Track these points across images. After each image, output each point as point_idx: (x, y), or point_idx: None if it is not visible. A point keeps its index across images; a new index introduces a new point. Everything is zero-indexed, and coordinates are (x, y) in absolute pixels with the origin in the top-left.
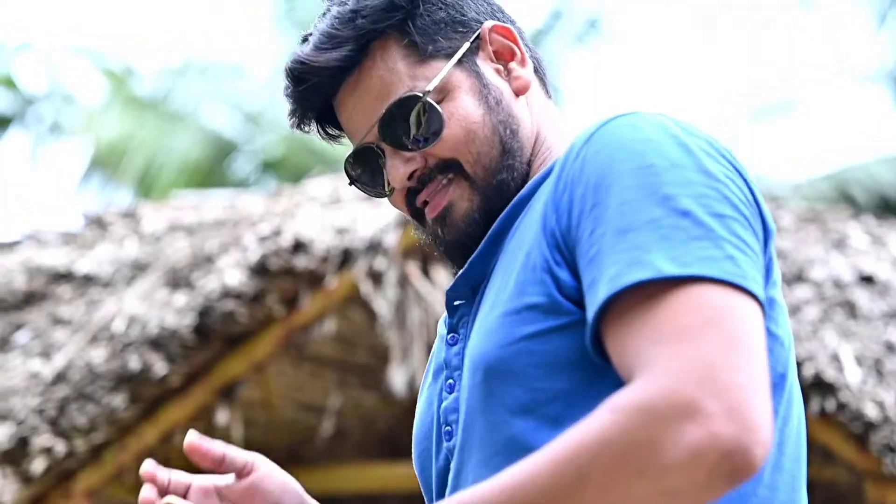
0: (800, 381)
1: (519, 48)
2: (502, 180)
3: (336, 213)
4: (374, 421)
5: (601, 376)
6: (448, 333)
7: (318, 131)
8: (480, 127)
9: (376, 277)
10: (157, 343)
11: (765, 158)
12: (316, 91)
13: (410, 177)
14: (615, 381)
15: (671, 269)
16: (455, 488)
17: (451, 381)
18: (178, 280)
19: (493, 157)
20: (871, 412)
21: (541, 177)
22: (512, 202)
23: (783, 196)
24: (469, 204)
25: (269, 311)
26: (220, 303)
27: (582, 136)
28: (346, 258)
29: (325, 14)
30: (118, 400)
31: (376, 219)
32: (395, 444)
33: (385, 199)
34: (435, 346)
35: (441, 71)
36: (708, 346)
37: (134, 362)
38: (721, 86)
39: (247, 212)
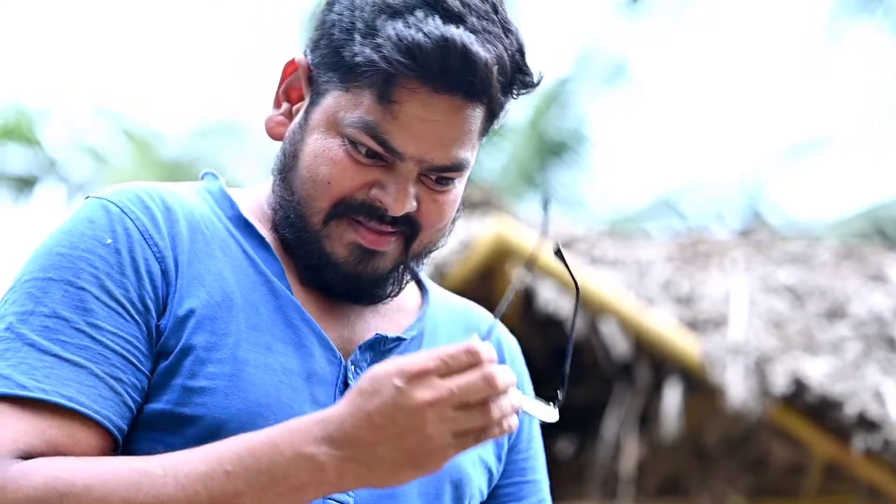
0: (843, 420)
1: None
2: (419, 266)
3: None
4: None
5: None
6: (353, 365)
7: (383, 78)
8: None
9: None
10: None
11: (798, 197)
12: (431, 76)
13: (392, 217)
14: None
15: None
16: None
17: None
18: None
19: (432, 246)
20: None
21: (436, 293)
22: (426, 304)
23: (818, 234)
24: (391, 266)
25: None
26: None
27: (506, 343)
28: None
29: (509, 33)
30: None
31: None
32: None
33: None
34: (283, 313)
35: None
36: None
37: None
38: (752, 125)
39: None
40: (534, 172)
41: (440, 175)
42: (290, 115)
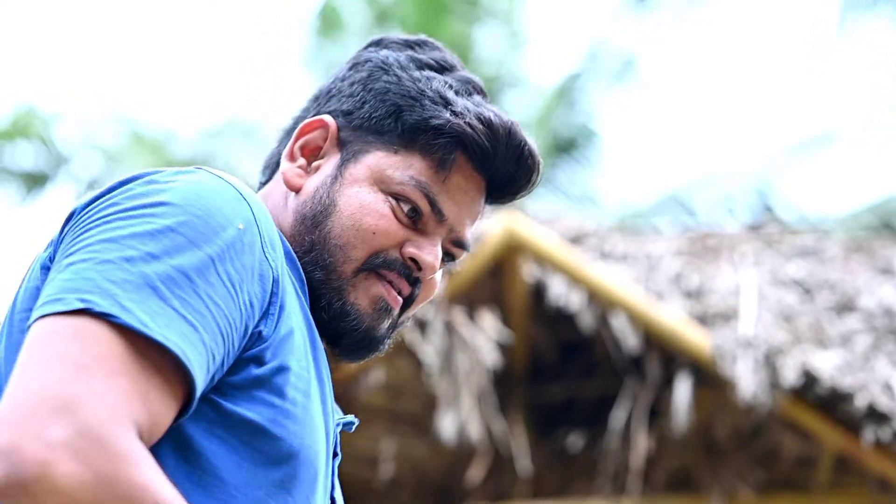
0: (853, 412)
1: None
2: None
3: None
4: (426, 469)
5: None
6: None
7: (447, 143)
8: None
9: (421, 325)
10: None
11: (807, 191)
12: (492, 153)
13: (415, 278)
14: None
15: None
16: None
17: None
18: None
19: (408, 321)
20: None
21: None
22: None
23: (827, 228)
24: (386, 329)
25: None
26: None
27: None
28: None
29: (527, 153)
30: None
31: None
32: (446, 492)
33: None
34: (318, 364)
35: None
36: None
37: None
38: (761, 120)
39: None
40: (543, 168)
41: (452, 249)
42: (306, 169)
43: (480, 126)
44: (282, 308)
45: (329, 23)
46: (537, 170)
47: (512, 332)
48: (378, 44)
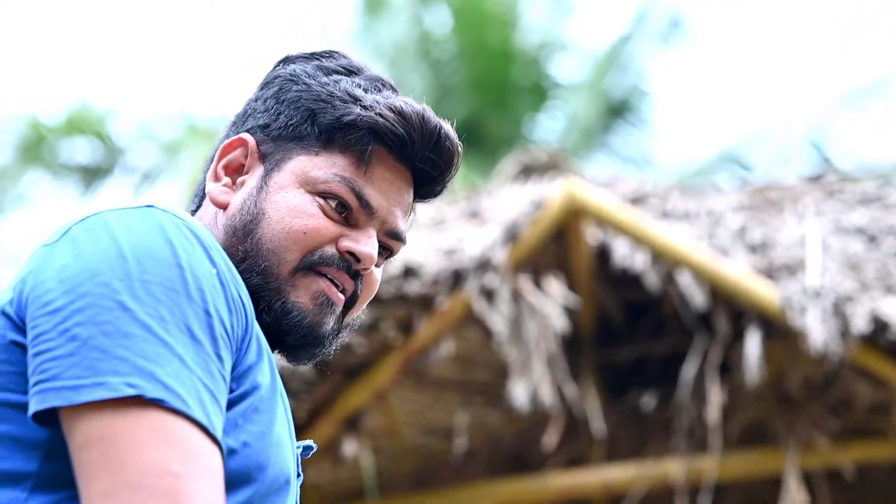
0: None
1: None
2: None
3: (442, 235)
4: (500, 438)
5: None
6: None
7: (366, 137)
8: None
9: (489, 295)
10: None
11: (865, 138)
12: (409, 140)
13: (356, 272)
14: None
15: None
16: None
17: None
18: None
19: (352, 323)
20: None
21: None
22: None
23: (887, 174)
24: (331, 329)
25: (386, 339)
26: None
27: None
28: (456, 279)
29: (443, 135)
30: None
31: (483, 237)
32: (522, 459)
33: (488, 219)
34: (277, 373)
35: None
36: None
37: None
38: (813, 71)
39: None
40: (596, 132)
41: (388, 242)
42: (232, 186)
43: (392, 115)
44: (250, 337)
45: (375, 1)
46: (457, 151)
47: (578, 297)
48: (285, 61)
